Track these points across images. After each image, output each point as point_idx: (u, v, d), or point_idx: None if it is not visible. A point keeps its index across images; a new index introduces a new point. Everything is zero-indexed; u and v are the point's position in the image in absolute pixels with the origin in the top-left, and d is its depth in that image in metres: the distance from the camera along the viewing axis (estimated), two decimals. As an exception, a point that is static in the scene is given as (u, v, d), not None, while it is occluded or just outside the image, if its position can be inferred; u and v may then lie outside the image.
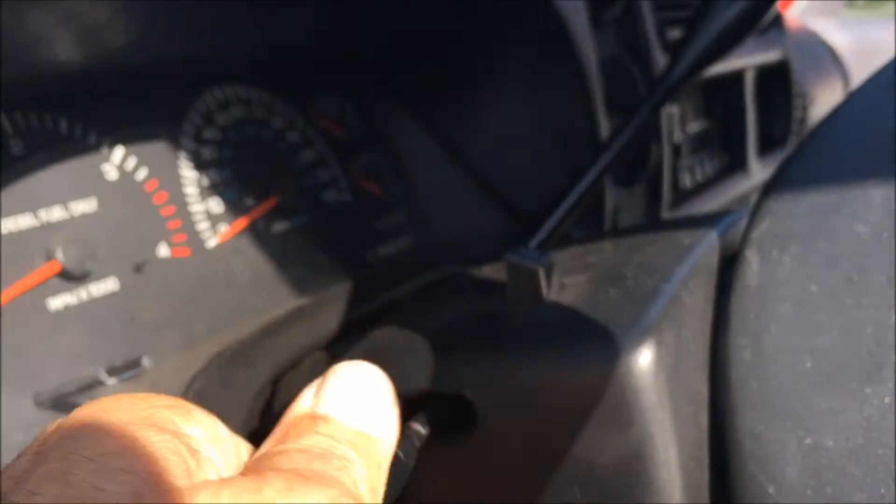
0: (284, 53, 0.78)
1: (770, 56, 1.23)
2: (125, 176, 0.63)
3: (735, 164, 1.19)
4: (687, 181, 1.08)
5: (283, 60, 0.79)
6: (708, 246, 0.50)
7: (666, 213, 0.96)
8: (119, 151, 0.63)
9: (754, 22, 0.78)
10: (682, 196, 1.04)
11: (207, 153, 0.70)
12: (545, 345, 0.43)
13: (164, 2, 0.55)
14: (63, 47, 0.55)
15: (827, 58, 1.62)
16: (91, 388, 0.52)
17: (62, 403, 0.53)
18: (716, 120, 1.19)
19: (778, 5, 1.29)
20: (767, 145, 1.26)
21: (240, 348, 0.58)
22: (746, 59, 1.17)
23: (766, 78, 1.24)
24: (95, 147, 0.62)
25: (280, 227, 0.72)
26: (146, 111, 0.66)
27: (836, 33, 1.70)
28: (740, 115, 1.19)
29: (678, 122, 1.07)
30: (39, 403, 0.52)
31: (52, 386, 0.54)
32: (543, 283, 0.46)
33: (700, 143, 1.14)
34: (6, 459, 0.49)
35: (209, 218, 0.67)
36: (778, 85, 1.29)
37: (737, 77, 1.18)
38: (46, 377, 0.54)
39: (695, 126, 1.14)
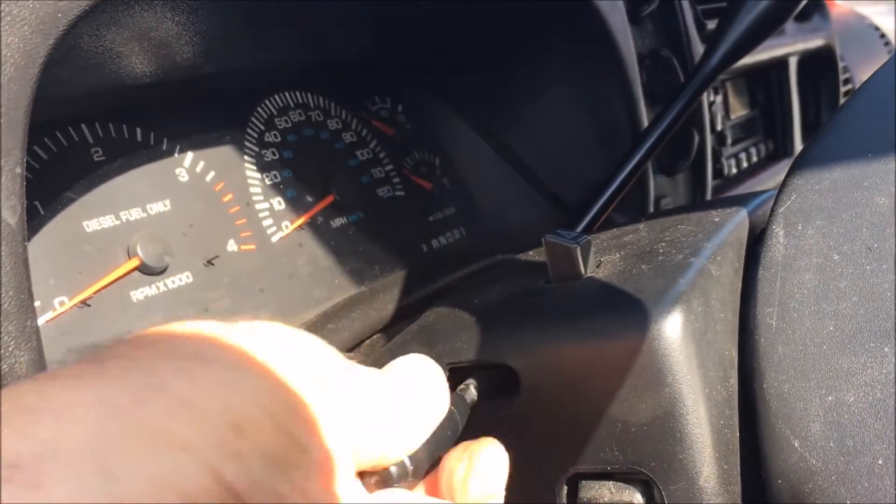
0: (340, 61, 0.83)
1: (813, 42, 1.24)
2: (195, 178, 0.69)
3: (780, 151, 1.20)
4: (732, 168, 1.10)
5: (338, 68, 0.84)
6: (737, 222, 0.53)
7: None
8: (189, 156, 0.69)
9: (787, 12, 0.80)
10: (726, 183, 1.06)
11: (269, 155, 0.75)
12: (582, 316, 0.46)
13: (226, 17, 0.60)
14: (136, 61, 0.61)
15: (876, 41, 1.62)
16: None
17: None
18: (761, 107, 1.21)
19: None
20: (814, 131, 1.27)
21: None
22: (789, 47, 1.19)
23: (810, 64, 1.26)
24: (168, 152, 0.68)
25: (338, 222, 0.77)
26: (213, 118, 0.71)
27: (885, 16, 1.69)
28: (785, 101, 1.20)
29: (722, 110, 1.09)
30: (126, 385, 0.58)
31: (137, 370, 0.59)
32: (580, 260, 0.49)
33: (745, 131, 1.16)
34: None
35: (272, 215, 0.72)
36: (823, 71, 1.30)
37: (780, 64, 1.20)
38: (131, 362, 0.59)
39: (739, 114, 1.16)
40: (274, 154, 0.75)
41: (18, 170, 0.38)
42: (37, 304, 0.56)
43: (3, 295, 0.36)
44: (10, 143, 0.37)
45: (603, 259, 0.52)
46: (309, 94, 0.81)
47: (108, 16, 0.50)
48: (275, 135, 0.76)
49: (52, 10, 0.40)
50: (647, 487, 0.45)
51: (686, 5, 0.97)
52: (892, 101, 0.50)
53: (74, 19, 0.42)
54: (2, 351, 0.35)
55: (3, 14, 0.38)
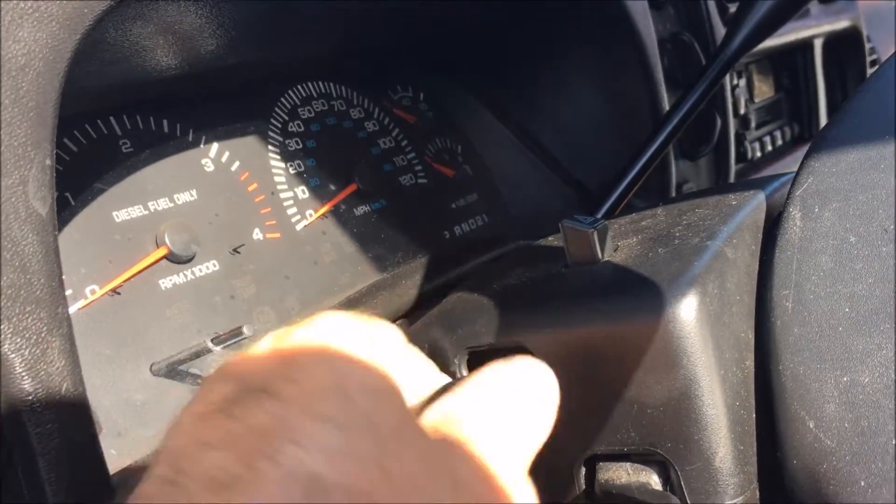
0: (361, 51, 0.84)
1: (839, 24, 1.23)
2: (221, 168, 0.70)
3: (805, 134, 1.19)
4: (756, 152, 1.10)
5: (360, 57, 0.85)
6: (754, 206, 0.53)
7: (733, 184, 0.98)
8: (215, 146, 0.70)
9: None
10: (750, 167, 1.06)
11: (293, 144, 0.76)
12: (598, 299, 0.47)
13: (249, 10, 0.61)
14: (161, 54, 0.62)
15: (905, 22, 1.59)
16: (200, 355, 0.59)
17: (174, 371, 0.60)
18: (785, 90, 1.20)
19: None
20: (840, 113, 1.26)
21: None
22: (815, 29, 1.18)
23: (836, 46, 1.24)
24: (194, 143, 0.69)
25: (361, 209, 0.78)
26: (237, 109, 0.73)
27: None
28: (810, 84, 1.19)
29: (745, 93, 1.08)
30: (156, 371, 0.59)
31: (165, 355, 0.60)
32: (597, 245, 0.50)
33: (769, 114, 1.16)
34: (131, 418, 0.56)
35: (296, 203, 0.74)
36: (849, 52, 1.28)
37: (805, 46, 1.19)
38: (160, 347, 0.61)
39: (764, 97, 1.15)
40: (298, 143, 0.76)
41: (48, 162, 0.39)
42: (69, 292, 0.58)
43: (35, 283, 0.37)
44: (39, 136, 0.39)
45: (620, 243, 0.52)
46: (331, 84, 0.82)
47: (133, 10, 0.51)
48: (298, 124, 0.77)
49: (78, 6, 0.42)
50: (663, 468, 0.45)
51: (708, -11, 0.97)
52: (910, 84, 0.50)
53: (100, 14, 0.43)
54: (34, 337, 0.37)
55: (31, 11, 0.40)
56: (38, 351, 0.37)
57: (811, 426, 0.43)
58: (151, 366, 0.60)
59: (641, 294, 0.45)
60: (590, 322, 0.46)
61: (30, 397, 0.37)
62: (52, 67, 0.40)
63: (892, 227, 0.45)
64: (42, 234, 0.38)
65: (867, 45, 1.30)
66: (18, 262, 0.37)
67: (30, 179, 0.38)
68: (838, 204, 0.47)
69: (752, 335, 0.47)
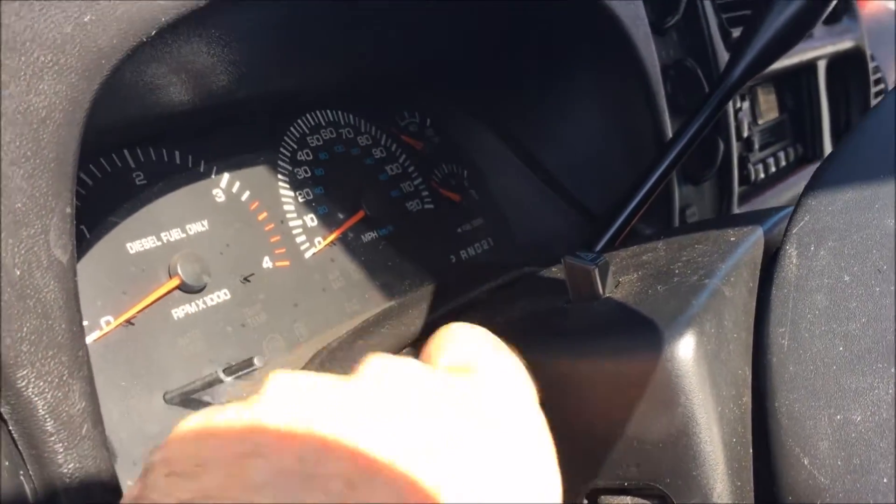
0: (368, 79, 0.86)
1: (843, 45, 1.24)
2: (231, 198, 0.72)
3: (809, 155, 1.20)
4: (760, 174, 1.11)
5: (367, 84, 0.87)
6: (752, 242, 0.54)
7: (737, 208, 0.99)
8: (225, 177, 0.72)
9: (813, 20, 0.81)
10: (753, 189, 1.07)
11: (302, 173, 0.77)
12: (599, 336, 0.48)
13: (258, 48, 0.63)
14: (174, 91, 0.64)
15: (910, 39, 1.60)
16: (212, 385, 0.60)
17: (188, 400, 0.62)
18: (789, 111, 1.21)
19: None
20: (844, 134, 1.27)
21: (336, 347, 0.65)
22: (818, 50, 1.19)
23: (840, 66, 1.26)
24: (205, 174, 0.71)
25: (369, 236, 0.80)
26: (247, 140, 0.74)
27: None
28: (814, 105, 1.20)
29: (749, 116, 1.10)
30: (169, 400, 0.61)
31: (178, 384, 0.62)
32: (598, 281, 0.51)
33: (773, 136, 1.17)
34: (146, 448, 0.58)
35: (305, 231, 0.75)
36: (853, 73, 1.29)
37: (809, 68, 1.20)
38: (173, 377, 0.63)
39: (768, 118, 1.16)
40: (306, 172, 0.78)
41: (69, 210, 0.41)
42: (84, 323, 0.59)
43: (56, 328, 0.39)
44: (60, 185, 0.40)
45: (621, 279, 0.54)
46: (339, 112, 0.84)
47: (147, 54, 0.53)
48: (307, 153, 0.79)
49: (96, 56, 0.43)
50: (663, 502, 0.47)
51: (711, 14, 0.98)
52: (904, 125, 0.51)
53: (118, 63, 0.45)
54: (56, 381, 0.38)
55: (51, 64, 0.41)
56: (59, 394, 0.39)
57: (805, 463, 0.44)
58: (165, 394, 0.62)
59: (641, 332, 0.46)
60: (591, 358, 0.47)
61: (52, 438, 0.38)
62: (71, 118, 0.42)
63: (885, 267, 0.46)
64: (63, 281, 0.40)
65: (871, 65, 1.31)
66: (41, 308, 0.38)
67: (51, 228, 0.39)
68: (834, 243, 0.48)
69: (749, 372, 0.48)
